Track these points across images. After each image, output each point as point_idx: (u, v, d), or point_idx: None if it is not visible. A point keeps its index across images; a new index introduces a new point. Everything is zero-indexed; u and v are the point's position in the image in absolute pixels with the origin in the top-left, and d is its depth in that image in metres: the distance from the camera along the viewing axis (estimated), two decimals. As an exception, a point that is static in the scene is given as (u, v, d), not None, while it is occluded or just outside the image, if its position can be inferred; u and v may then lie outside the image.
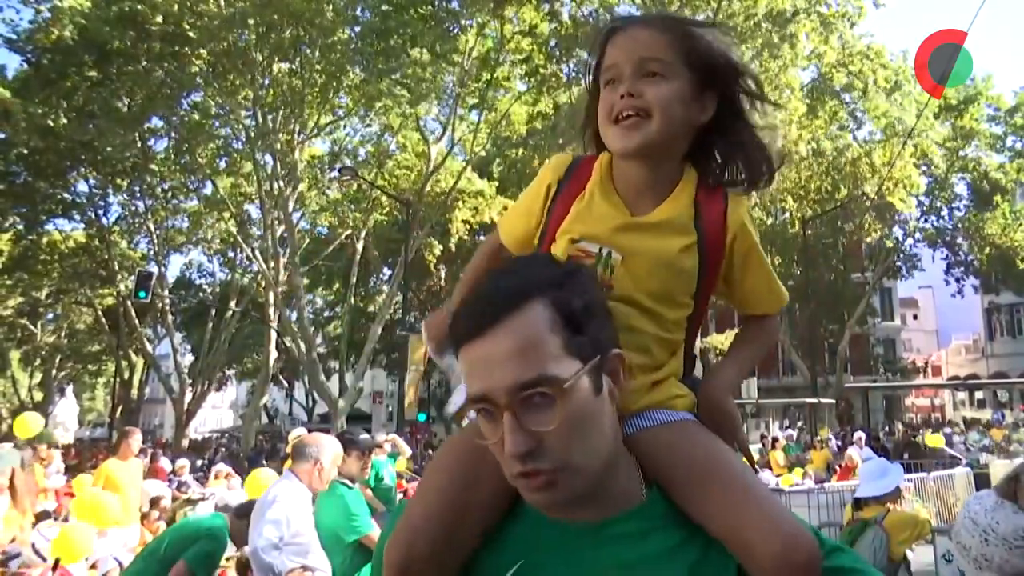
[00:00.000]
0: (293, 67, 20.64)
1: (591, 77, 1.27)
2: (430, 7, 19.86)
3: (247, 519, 4.14)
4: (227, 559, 5.28)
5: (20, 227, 26.76)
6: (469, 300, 1.02)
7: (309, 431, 9.13)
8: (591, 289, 1.03)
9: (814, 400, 22.97)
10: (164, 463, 13.61)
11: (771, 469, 14.89)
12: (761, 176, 1.26)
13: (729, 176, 1.26)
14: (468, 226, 24.89)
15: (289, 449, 7.55)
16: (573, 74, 21.41)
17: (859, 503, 5.04)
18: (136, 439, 7.66)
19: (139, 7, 19.10)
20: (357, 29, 20.79)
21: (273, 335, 24.67)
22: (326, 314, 36.70)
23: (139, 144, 22.98)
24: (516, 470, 0.95)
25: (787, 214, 27.45)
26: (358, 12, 20.61)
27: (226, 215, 25.38)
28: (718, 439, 1.14)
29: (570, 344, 0.96)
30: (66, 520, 7.12)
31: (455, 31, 20.62)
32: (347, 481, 4.49)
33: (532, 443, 0.93)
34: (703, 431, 1.15)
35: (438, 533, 1.06)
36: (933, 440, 17.45)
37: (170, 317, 28.03)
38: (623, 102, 1.16)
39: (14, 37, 21.09)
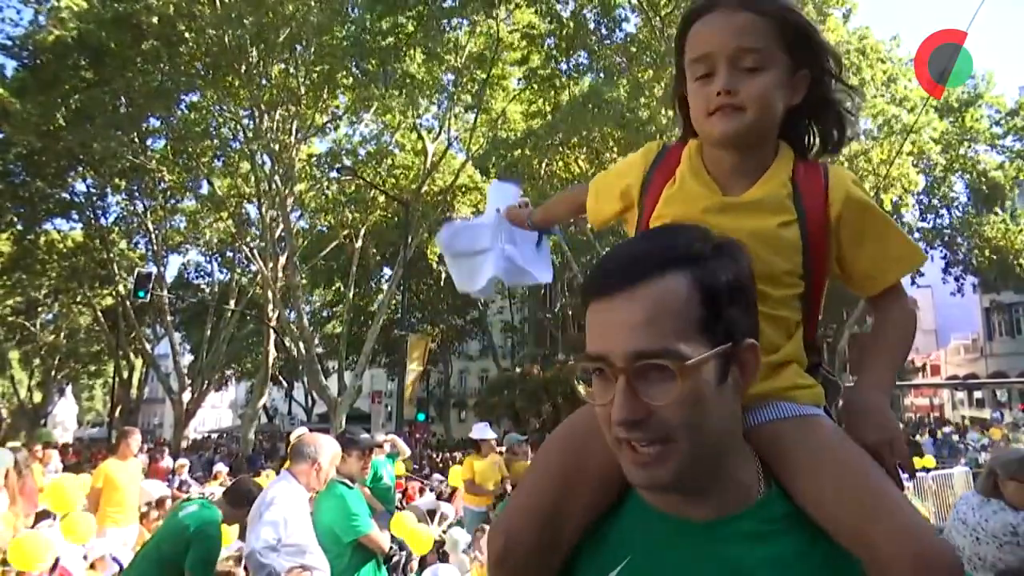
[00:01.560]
0: (288, 67, 20.64)
1: (676, 52, 1.24)
2: (423, 7, 19.83)
3: (241, 507, 4.13)
4: (227, 558, 5.29)
5: (19, 227, 26.74)
6: (610, 257, 0.98)
7: (310, 431, 9.13)
8: (740, 269, 0.98)
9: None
10: (168, 461, 13.62)
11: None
12: (835, 141, 1.27)
13: (811, 140, 1.27)
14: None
15: (289, 449, 7.56)
16: (574, 73, 21.42)
17: None
18: (135, 439, 7.65)
19: (135, 8, 19.09)
20: (349, 29, 20.77)
21: (272, 335, 24.66)
22: (325, 313, 36.69)
23: (137, 144, 22.96)
24: (620, 436, 0.92)
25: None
26: (351, 12, 20.59)
27: (224, 215, 25.37)
28: (848, 438, 1.07)
29: (704, 323, 0.92)
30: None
31: (447, 30, 20.60)
32: (347, 481, 4.48)
33: (641, 413, 0.90)
34: (833, 428, 1.09)
35: (538, 526, 1.04)
36: (924, 462, 17.22)
37: (169, 317, 28.00)
38: (719, 99, 1.13)
39: (9, 43, 21.12)
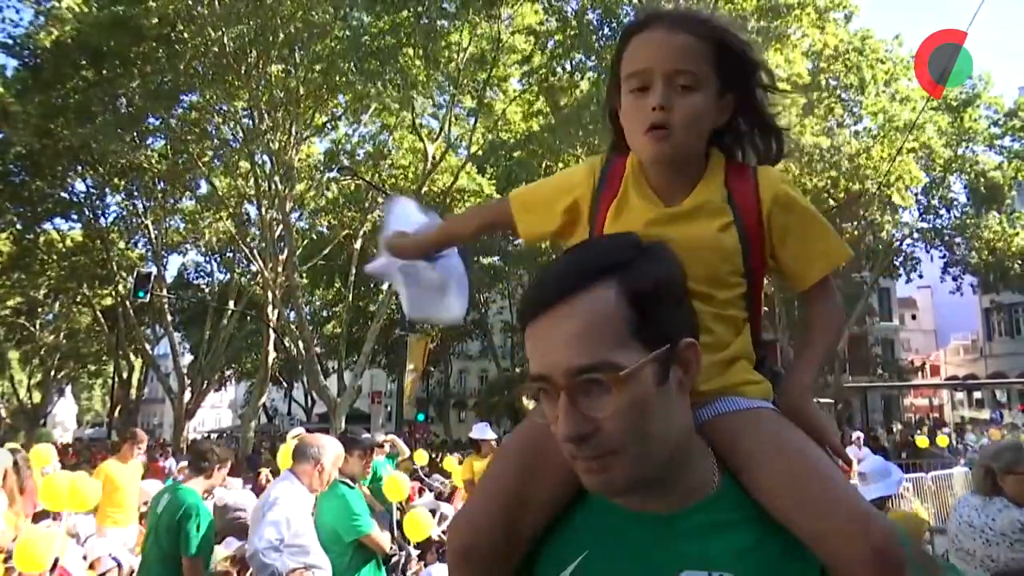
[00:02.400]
0: (288, 67, 20.64)
1: (613, 66, 1.27)
2: (421, 7, 19.82)
3: (201, 471, 4.20)
4: (226, 558, 5.29)
5: (18, 227, 26.74)
6: (538, 279, 1.01)
7: (308, 431, 9.14)
8: (666, 271, 1.00)
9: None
10: (172, 463, 13.62)
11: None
12: (771, 155, 1.31)
13: (746, 154, 1.30)
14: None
15: (290, 449, 7.57)
16: (578, 75, 21.39)
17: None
18: (142, 444, 7.67)
19: (135, 8, 19.10)
20: (348, 31, 20.76)
21: (272, 335, 24.65)
22: (324, 314, 36.69)
23: (137, 143, 22.96)
24: (570, 452, 0.95)
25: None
26: (351, 12, 20.58)
27: (224, 215, 25.36)
28: (799, 430, 1.10)
29: (637, 329, 0.94)
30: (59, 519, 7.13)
31: (446, 31, 20.60)
32: (348, 481, 4.49)
33: (587, 427, 0.92)
34: (783, 421, 1.12)
35: (498, 519, 1.05)
36: (925, 441, 17.41)
37: (169, 317, 27.99)
38: (655, 115, 1.17)
39: (10, 42, 21.12)
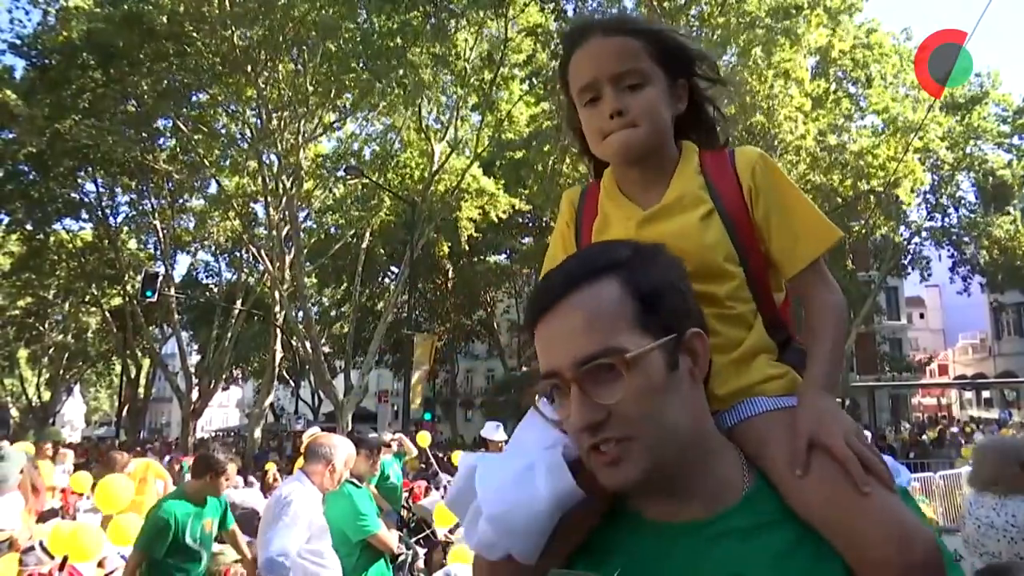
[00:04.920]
0: (296, 67, 20.69)
1: (562, 86, 1.28)
2: (430, 6, 19.85)
3: (200, 476, 4.32)
4: (235, 560, 5.31)
5: (28, 227, 26.86)
6: (542, 282, 1.02)
7: (322, 430, 9.17)
8: (668, 266, 1.02)
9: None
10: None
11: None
12: (714, 143, 1.30)
13: (709, 141, 1.30)
14: (475, 224, 24.90)
15: (303, 448, 7.59)
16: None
17: None
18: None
19: (144, 8, 19.17)
20: (357, 29, 20.80)
21: (279, 334, 24.72)
22: (332, 313, 36.78)
23: (146, 143, 23.05)
24: (586, 443, 0.95)
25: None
26: (359, 12, 20.63)
27: (232, 214, 25.45)
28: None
29: (641, 321, 0.95)
30: (73, 518, 7.17)
31: (454, 31, 20.62)
32: (355, 480, 4.51)
33: (599, 414, 0.92)
34: None
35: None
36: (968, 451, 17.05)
37: (176, 316, 28.09)
38: (613, 122, 1.18)
39: (18, 42, 21.20)
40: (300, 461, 4.54)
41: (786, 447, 1.02)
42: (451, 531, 7.23)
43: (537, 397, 1.03)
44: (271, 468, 11.66)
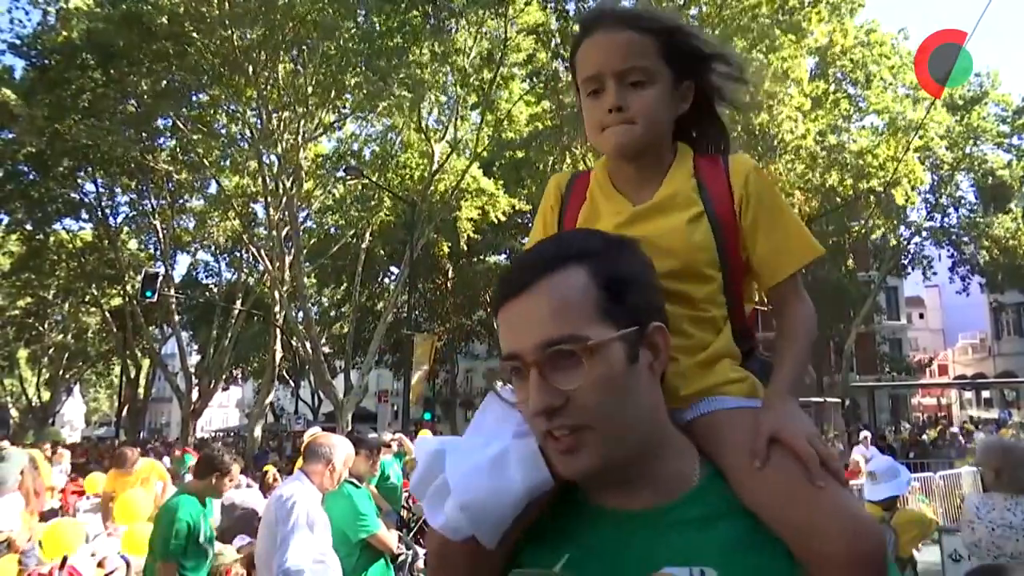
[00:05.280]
0: (296, 67, 20.69)
1: (572, 72, 1.28)
2: (431, 6, 19.86)
3: (205, 477, 4.31)
4: (235, 560, 5.31)
5: (28, 227, 26.86)
6: (510, 266, 1.03)
7: (323, 430, 9.17)
8: (636, 260, 1.03)
9: (820, 399, 22.91)
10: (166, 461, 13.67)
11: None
12: (719, 146, 1.31)
13: (708, 145, 1.31)
14: (475, 224, 24.90)
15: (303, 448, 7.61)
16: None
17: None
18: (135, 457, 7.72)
19: (143, 8, 19.16)
20: (357, 29, 20.81)
21: (279, 334, 24.72)
22: (332, 313, 36.77)
23: (146, 143, 23.05)
24: (541, 428, 0.96)
25: (795, 210, 27.06)
26: (359, 11, 20.63)
27: (232, 214, 25.45)
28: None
29: (606, 311, 0.96)
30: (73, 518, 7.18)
31: (454, 30, 20.63)
32: (355, 480, 4.50)
33: (557, 400, 0.93)
34: None
35: None
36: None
37: (176, 316, 28.09)
38: (611, 117, 1.19)
39: (18, 42, 21.20)
40: (300, 461, 4.53)
41: (745, 442, 1.03)
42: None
43: (497, 382, 1.04)
44: (271, 468, 11.66)
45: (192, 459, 9.07)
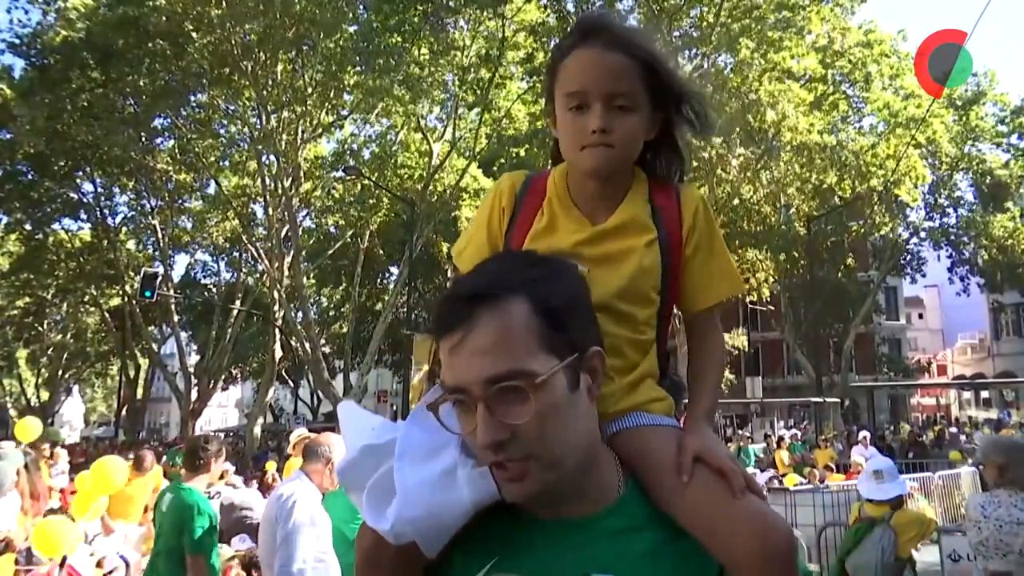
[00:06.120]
0: (295, 67, 20.69)
1: (549, 76, 1.27)
2: (429, 4, 19.86)
3: (196, 470, 4.29)
4: (230, 558, 5.31)
5: (27, 227, 26.84)
6: (450, 293, 1.03)
7: (310, 430, 9.16)
8: (573, 286, 1.06)
9: (819, 399, 22.92)
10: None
11: (776, 468, 14.88)
12: (676, 176, 1.33)
13: (662, 171, 1.32)
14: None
15: (291, 449, 7.61)
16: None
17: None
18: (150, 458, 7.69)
19: (142, 8, 19.15)
20: (357, 27, 20.82)
21: (278, 334, 24.71)
22: (331, 313, 36.75)
23: (144, 143, 23.05)
24: (488, 459, 0.98)
25: (792, 209, 27.02)
26: (359, 10, 20.63)
27: (231, 214, 25.44)
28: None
29: (548, 340, 0.98)
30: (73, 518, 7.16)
31: (452, 29, 20.62)
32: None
33: (504, 434, 0.95)
34: (680, 435, 1.16)
35: None
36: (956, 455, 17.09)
37: (175, 316, 28.08)
38: (594, 137, 1.18)
39: (17, 43, 21.18)
40: (293, 461, 4.52)
41: (669, 458, 1.09)
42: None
43: (438, 406, 1.03)
44: (270, 468, 11.65)
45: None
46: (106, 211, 27.10)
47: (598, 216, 1.24)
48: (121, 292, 28.83)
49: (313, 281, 31.35)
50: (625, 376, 1.18)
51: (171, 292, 26.02)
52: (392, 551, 1.04)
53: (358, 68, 20.17)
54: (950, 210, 29.72)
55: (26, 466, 5.72)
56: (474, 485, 1.01)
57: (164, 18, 19.32)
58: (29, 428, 9.10)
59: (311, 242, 27.76)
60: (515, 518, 1.06)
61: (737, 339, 27.44)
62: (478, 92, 22.33)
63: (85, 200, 26.56)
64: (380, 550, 1.06)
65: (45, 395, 39.17)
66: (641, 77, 1.20)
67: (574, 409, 1.00)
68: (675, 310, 1.32)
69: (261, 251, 23.99)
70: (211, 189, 26.48)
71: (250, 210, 26.36)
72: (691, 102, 1.29)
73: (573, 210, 1.25)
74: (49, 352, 37.33)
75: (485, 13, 20.25)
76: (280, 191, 21.59)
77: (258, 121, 21.41)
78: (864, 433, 17.18)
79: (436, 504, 1.01)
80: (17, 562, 4.66)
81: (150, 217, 26.24)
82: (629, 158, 1.23)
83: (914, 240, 30.89)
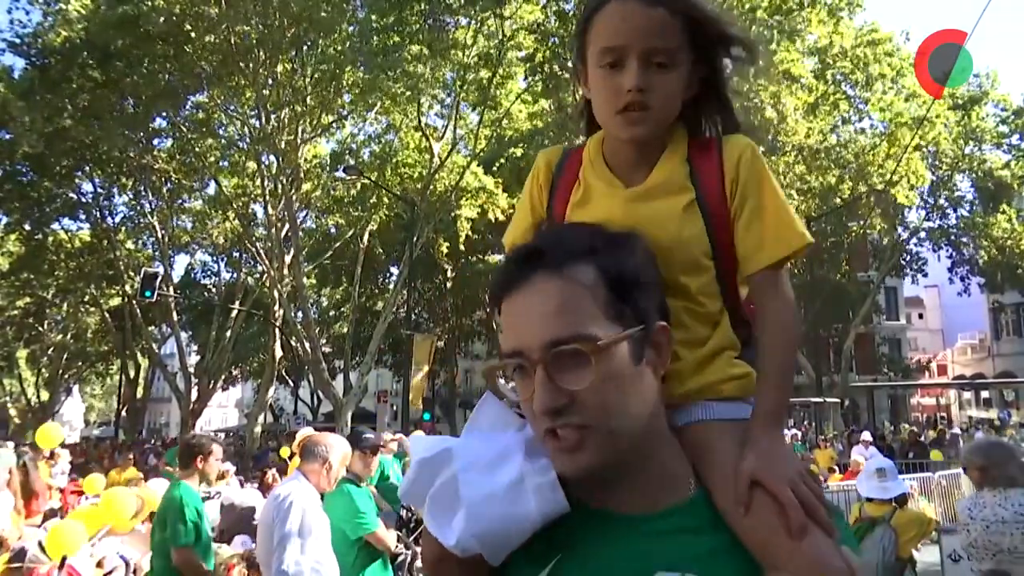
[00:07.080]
0: (294, 66, 20.68)
1: (581, 29, 1.18)
2: (428, 4, 19.86)
3: (188, 466, 4.32)
4: (231, 557, 5.30)
5: (27, 227, 26.85)
6: (513, 256, 1.00)
7: (316, 430, 9.15)
8: (642, 257, 1.02)
9: (819, 399, 22.91)
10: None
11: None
12: (729, 128, 1.23)
13: (707, 128, 1.23)
14: (474, 224, 24.88)
15: (296, 448, 7.60)
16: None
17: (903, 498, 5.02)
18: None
19: (142, 9, 19.15)
20: (356, 27, 20.81)
21: (278, 334, 24.71)
22: (331, 313, 36.76)
23: (144, 143, 23.05)
24: (544, 426, 0.94)
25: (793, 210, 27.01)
26: (357, 10, 20.63)
27: (231, 214, 25.44)
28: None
29: (613, 309, 0.95)
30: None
31: (452, 28, 20.62)
32: (354, 479, 4.50)
33: (562, 400, 0.92)
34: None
35: None
36: (936, 455, 17.30)
37: (175, 316, 28.08)
38: (631, 96, 1.10)
39: (17, 41, 21.18)
40: (294, 461, 4.53)
41: (731, 468, 1.00)
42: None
43: (498, 374, 1.01)
44: (270, 471, 11.64)
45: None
46: (105, 211, 27.12)
47: (633, 178, 1.17)
48: (121, 292, 28.84)
49: (313, 281, 31.36)
50: (692, 351, 1.09)
51: (171, 292, 26.01)
52: (457, 561, 1.01)
53: (357, 67, 20.15)
54: (950, 211, 29.71)
55: (24, 465, 5.72)
56: (542, 497, 0.98)
57: (164, 18, 19.31)
58: (50, 435, 9.05)
59: (311, 242, 27.75)
60: (580, 513, 1.01)
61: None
62: (478, 92, 22.33)
63: (84, 200, 26.56)
64: (445, 563, 1.03)
65: (45, 395, 39.14)
66: (681, 31, 1.11)
67: (636, 383, 0.96)
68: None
69: (261, 251, 23.99)
70: (211, 189, 26.50)
71: (250, 210, 26.37)
72: (739, 47, 1.20)
73: (606, 173, 1.19)
74: (49, 352, 37.32)
75: (485, 13, 20.24)
76: (280, 191, 21.58)
77: (258, 121, 21.40)
78: (866, 434, 17.19)
79: (503, 518, 0.98)
80: (10, 560, 4.66)
81: (149, 217, 26.24)
82: (667, 119, 1.15)
83: (914, 240, 30.88)
